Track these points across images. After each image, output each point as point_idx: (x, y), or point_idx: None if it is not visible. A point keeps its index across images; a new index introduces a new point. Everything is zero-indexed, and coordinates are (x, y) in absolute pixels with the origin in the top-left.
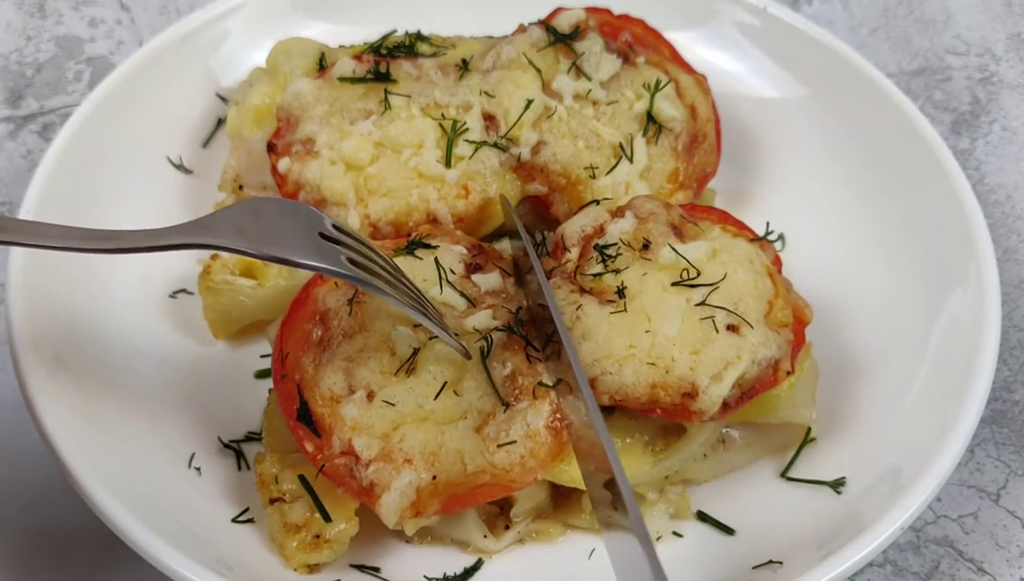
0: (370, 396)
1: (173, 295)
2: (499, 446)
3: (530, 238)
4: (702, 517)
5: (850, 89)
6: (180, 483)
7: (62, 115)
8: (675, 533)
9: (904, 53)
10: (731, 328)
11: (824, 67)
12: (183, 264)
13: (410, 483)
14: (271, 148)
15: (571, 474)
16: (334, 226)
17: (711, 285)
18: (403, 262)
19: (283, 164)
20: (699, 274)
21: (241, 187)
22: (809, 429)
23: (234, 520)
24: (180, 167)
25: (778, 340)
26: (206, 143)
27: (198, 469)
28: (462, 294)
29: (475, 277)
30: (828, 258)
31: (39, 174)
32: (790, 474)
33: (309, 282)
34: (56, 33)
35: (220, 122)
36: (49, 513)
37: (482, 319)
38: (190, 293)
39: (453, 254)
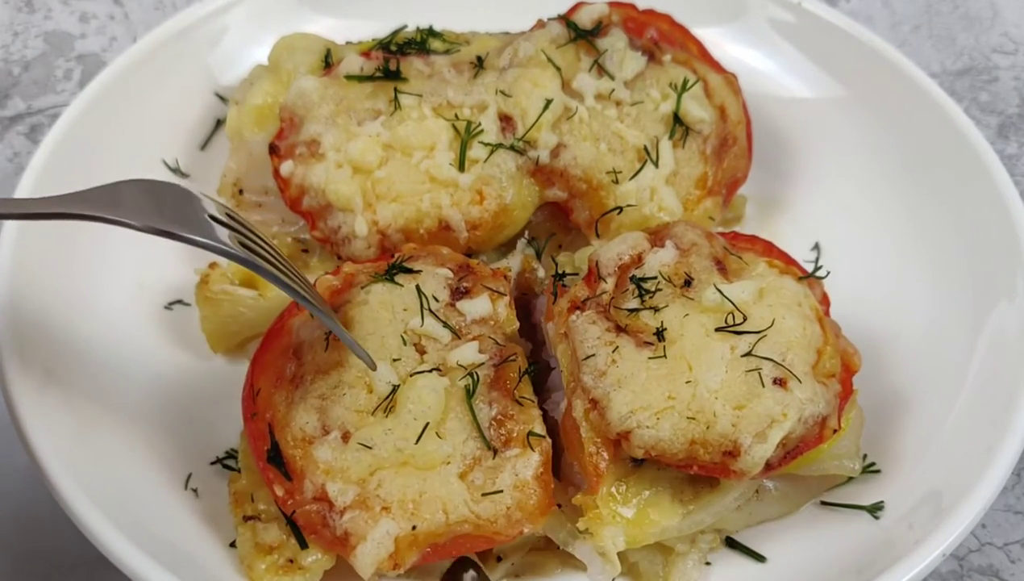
0: (346, 437)
1: (169, 306)
2: (484, 495)
3: None
4: (731, 544)
5: (890, 90)
6: (175, 505)
7: (51, 116)
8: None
9: (948, 52)
10: (777, 382)
11: (862, 66)
12: (180, 274)
13: (387, 533)
14: (273, 150)
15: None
16: (227, 213)
17: (758, 333)
18: (382, 290)
19: (286, 167)
20: (745, 319)
21: (241, 191)
22: None
23: (232, 545)
24: (176, 171)
25: (826, 395)
26: (204, 145)
27: (195, 490)
28: (445, 325)
29: (460, 304)
30: (866, 269)
31: (26, 178)
32: (826, 498)
33: (284, 312)
34: (45, 29)
35: (219, 123)
36: (38, 535)
37: (467, 353)
38: (187, 304)
39: (437, 279)
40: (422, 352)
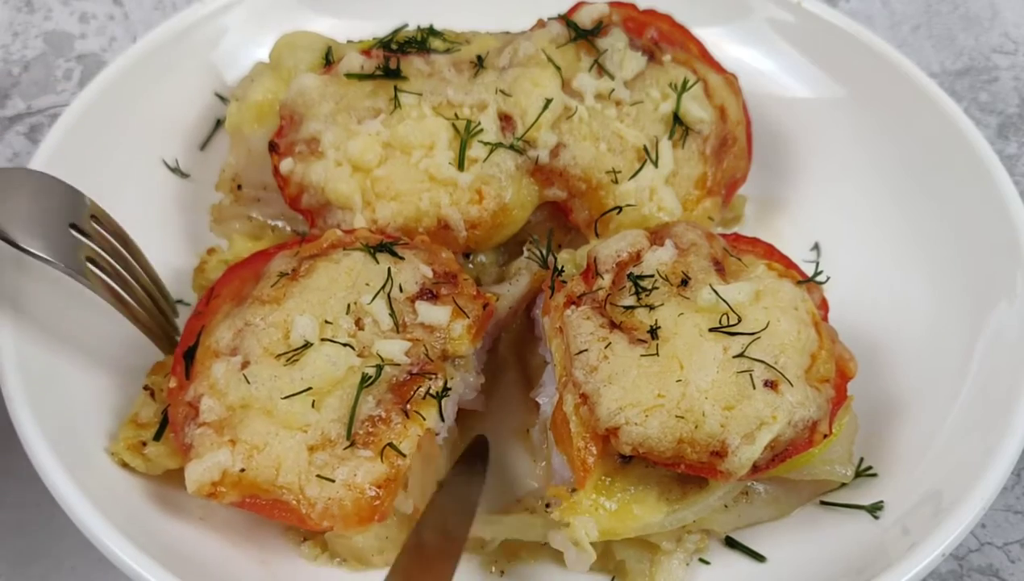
0: (244, 366)
1: None
2: (318, 476)
3: None
4: (731, 543)
5: (890, 90)
6: (176, 505)
7: (51, 116)
8: (702, 560)
9: (948, 52)
10: (769, 384)
11: (862, 66)
12: (180, 275)
13: (219, 463)
14: (273, 147)
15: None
16: (93, 217)
17: (752, 334)
18: (359, 258)
19: (285, 165)
20: (740, 321)
21: (240, 187)
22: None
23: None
24: (176, 170)
25: (818, 399)
26: (204, 145)
27: None
28: (391, 314)
29: (419, 303)
30: (865, 269)
31: None
32: (826, 498)
33: (280, 245)
34: (45, 29)
35: (219, 123)
36: (38, 535)
37: (390, 348)
38: (187, 304)
39: (415, 272)
40: (360, 328)
